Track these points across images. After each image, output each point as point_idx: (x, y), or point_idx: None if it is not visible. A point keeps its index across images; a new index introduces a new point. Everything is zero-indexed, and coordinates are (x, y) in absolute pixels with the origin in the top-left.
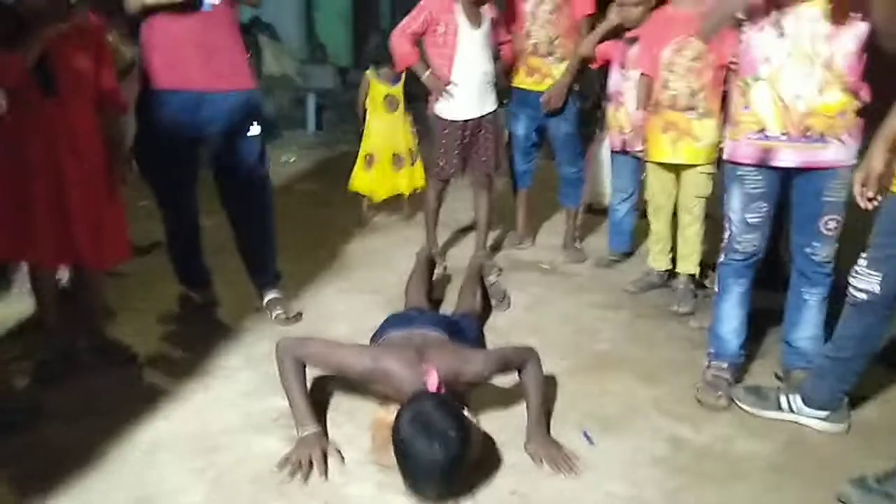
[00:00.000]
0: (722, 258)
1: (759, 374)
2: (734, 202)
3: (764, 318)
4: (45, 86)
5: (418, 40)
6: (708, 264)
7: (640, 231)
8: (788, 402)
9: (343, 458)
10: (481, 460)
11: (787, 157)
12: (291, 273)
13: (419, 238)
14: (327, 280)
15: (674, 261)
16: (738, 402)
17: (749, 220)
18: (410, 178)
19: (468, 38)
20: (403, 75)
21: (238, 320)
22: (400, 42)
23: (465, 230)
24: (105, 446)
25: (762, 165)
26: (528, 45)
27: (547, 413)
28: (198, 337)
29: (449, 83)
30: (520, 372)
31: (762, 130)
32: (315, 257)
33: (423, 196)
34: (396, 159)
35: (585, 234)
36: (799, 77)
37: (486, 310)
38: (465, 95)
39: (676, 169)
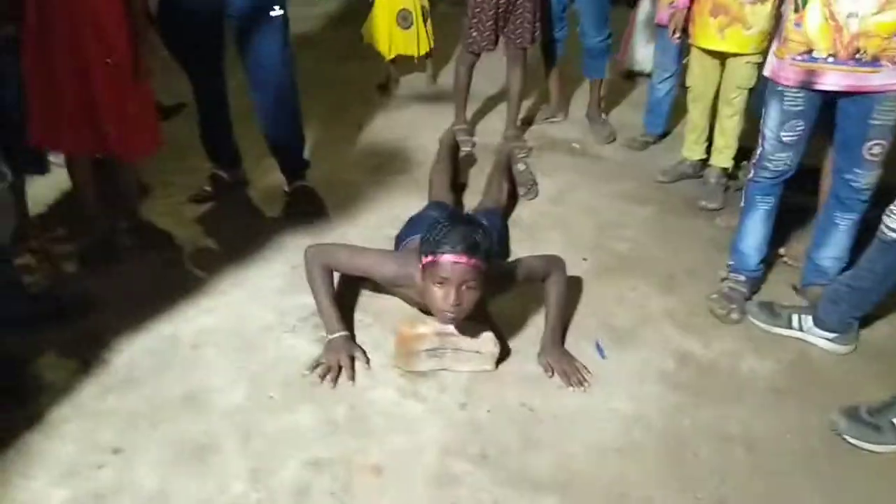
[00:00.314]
0: (751, 174)
1: (775, 284)
2: (770, 119)
3: (789, 224)
4: None
5: None
6: (745, 155)
7: (679, 110)
8: (799, 322)
9: (368, 360)
10: (501, 373)
11: (832, 81)
12: (316, 146)
13: (445, 108)
14: (353, 158)
15: (709, 151)
16: (750, 317)
17: (783, 139)
18: (419, 40)
19: None
20: None
21: (267, 203)
22: None
23: (494, 101)
24: (153, 340)
25: (805, 87)
26: None
27: (564, 323)
28: (230, 221)
29: None
30: (544, 280)
31: (809, 51)
32: (340, 128)
33: (435, 60)
34: (403, 16)
35: (618, 104)
36: None
37: (513, 199)
38: None
39: (722, 56)
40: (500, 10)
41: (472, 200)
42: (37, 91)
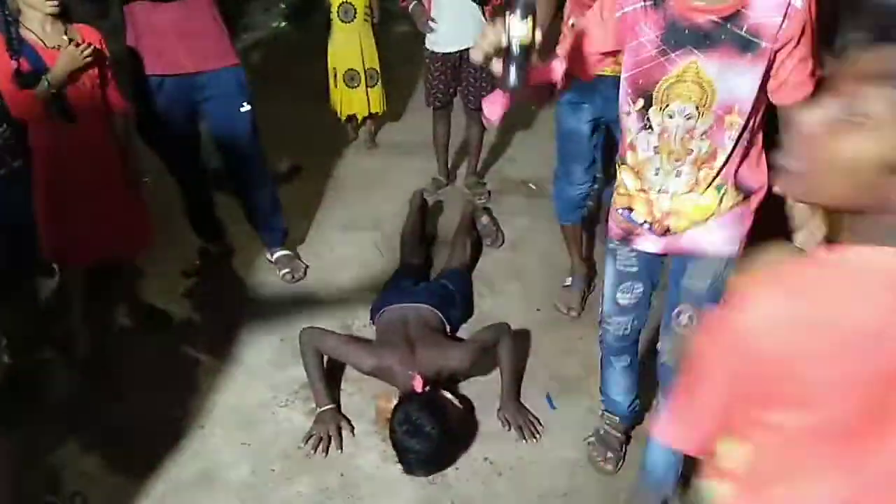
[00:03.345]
0: (600, 332)
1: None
2: (607, 276)
3: None
4: (63, 116)
5: None
6: None
7: None
8: None
9: (353, 429)
10: (463, 434)
11: (648, 245)
12: (291, 204)
13: (413, 159)
14: (326, 214)
15: None
16: None
17: (620, 301)
18: (366, 100)
19: None
20: None
21: (252, 273)
22: None
23: (457, 149)
24: (166, 425)
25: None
26: None
27: (518, 379)
28: (219, 294)
29: (430, 17)
30: (495, 346)
31: (630, 209)
32: (312, 182)
33: (382, 121)
34: (350, 76)
35: None
36: (665, 172)
37: (477, 252)
38: (446, 29)
39: None
40: (450, 70)
41: (440, 251)
42: (47, 214)
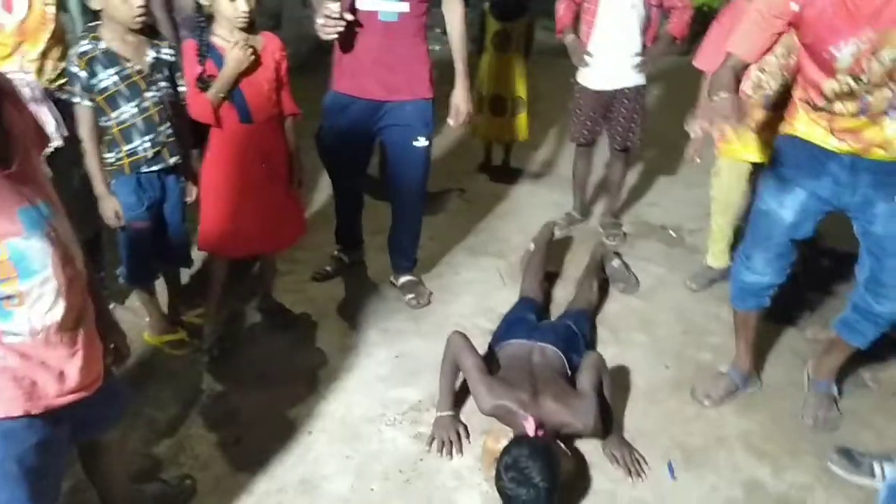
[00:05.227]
0: None
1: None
2: None
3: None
4: (242, 116)
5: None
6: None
7: None
8: (882, 470)
9: (469, 434)
10: (570, 485)
11: None
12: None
13: (548, 190)
14: (456, 235)
15: None
16: (830, 465)
17: None
18: (508, 128)
19: (609, 7)
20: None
21: (378, 286)
22: (561, 6)
23: (597, 186)
24: (277, 423)
25: None
26: (835, 85)
27: (620, 414)
28: (345, 302)
29: (586, 52)
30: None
31: None
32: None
33: (521, 150)
34: (495, 103)
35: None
36: None
37: (603, 295)
38: (601, 66)
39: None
40: (600, 108)
41: (561, 290)
42: (212, 208)
